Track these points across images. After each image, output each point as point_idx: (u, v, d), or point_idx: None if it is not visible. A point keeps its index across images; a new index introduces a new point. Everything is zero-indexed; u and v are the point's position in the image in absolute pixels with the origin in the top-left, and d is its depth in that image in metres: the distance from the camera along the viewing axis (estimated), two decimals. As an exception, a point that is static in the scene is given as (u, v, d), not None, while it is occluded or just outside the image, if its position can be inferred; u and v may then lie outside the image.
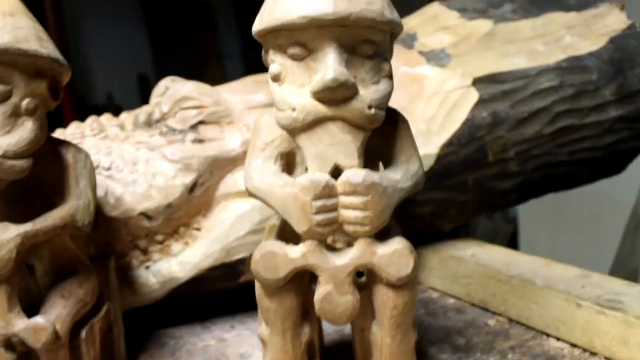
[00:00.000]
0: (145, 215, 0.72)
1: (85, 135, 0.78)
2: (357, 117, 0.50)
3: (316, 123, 0.50)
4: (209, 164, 0.75)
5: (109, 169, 0.74)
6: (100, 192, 0.72)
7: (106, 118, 0.82)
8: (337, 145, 0.51)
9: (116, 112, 0.86)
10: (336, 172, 0.51)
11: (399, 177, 0.53)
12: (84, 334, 0.58)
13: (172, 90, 0.80)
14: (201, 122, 0.77)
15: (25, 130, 0.52)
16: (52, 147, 0.59)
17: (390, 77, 0.53)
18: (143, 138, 0.77)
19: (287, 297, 0.53)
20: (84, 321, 0.59)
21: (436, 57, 0.86)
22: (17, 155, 0.51)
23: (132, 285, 0.73)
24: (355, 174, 0.50)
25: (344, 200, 0.50)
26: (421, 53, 0.87)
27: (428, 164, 0.80)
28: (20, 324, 0.52)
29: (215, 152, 0.75)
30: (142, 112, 0.81)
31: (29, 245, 0.53)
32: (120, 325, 0.66)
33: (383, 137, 0.56)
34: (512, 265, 0.77)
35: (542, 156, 0.85)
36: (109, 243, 0.73)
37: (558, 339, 0.67)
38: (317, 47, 0.50)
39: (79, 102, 3.23)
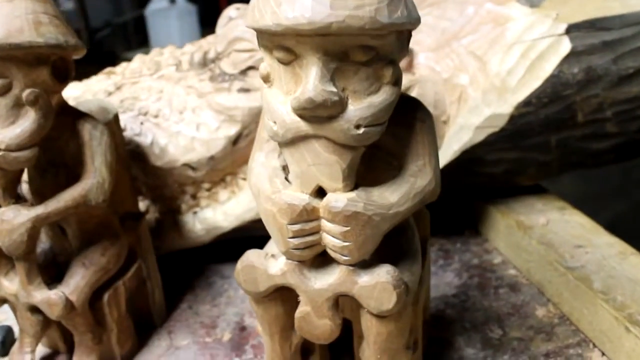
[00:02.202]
0: (189, 165, 0.73)
1: (142, 73, 0.78)
2: (342, 137, 0.44)
3: (298, 139, 0.45)
4: (253, 114, 0.71)
5: (156, 116, 0.74)
6: (147, 140, 0.73)
7: (169, 51, 0.81)
8: (320, 165, 0.45)
9: None
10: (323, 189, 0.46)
11: (395, 198, 0.47)
12: (106, 297, 0.62)
13: (230, 26, 0.75)
14: (251, 67, 0.73)
15: (28, 121, 0.53)
16: (72, 120, 0.59)
17: (395, 82, 0.45)
18: (194, 82, 0.75)
19: (272, 306, 0.52)
20: (108, 284, 0.63)
21: (530, -9, 0.71)
22: (19, 147, 0.53)
23: (180, 230, 0.76)
24: (336, 200, 0.45)
25: (324, 224, 0.46)
26: (513, -16, 0.72)
27: (498, 123, 0.69)
28: (37, 296, 0.57)
29: (261, 102, 0.72)
30: (200, 50, 0.78)
31: (41, 226, 0.56)
32: (155, 278, 0.70)
33: (396, 137, 0.50)
34: (581, 248, 0.68)
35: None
36: (157, 187, 0.75)
37: (603, 354, 0.60)
38: (302, 53, 0.43)
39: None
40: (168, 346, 0.68)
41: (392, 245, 0.53)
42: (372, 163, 0.52)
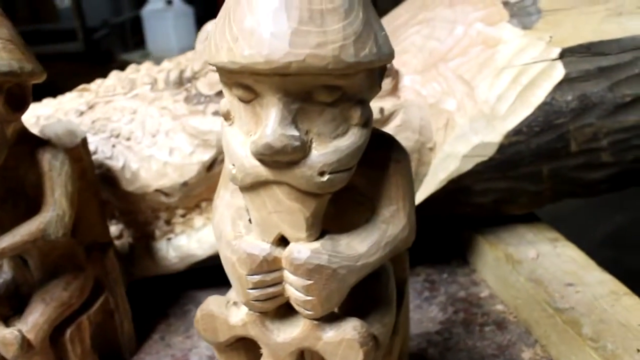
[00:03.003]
0: (161, 191, 0.69)
1: (116, 92, 0.75)
2: (305, 185, 0.40)
3: (258, 184, 0.41)
4: (230, 139, 0.68)
5: (128, 139, 0.70)
6: (118, 164, 0.70)
7: (145, 68, 0.78)
8: (282, 213, 0.42)
9: None
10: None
11: (364, 248, 0.43)
12: (68, 333, 0.59)
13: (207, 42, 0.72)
14: (228, 88, 0.69)
15: (-23, 152, 0.50)
16: (32, 149, 0.56)
17: (364, 124, 0.41)
18: (168, 102, 0.71)
19: (235, 356, 0.48)
20: (71, 319, 0.60)
21: (523, 12, 0.67)
22: (-31, 178, 0.50)
23: (153, 256, 0.73)
24: (299, 252, 0.41)
25: (287, 276, 0.42)
26: (505, 4, 0.69)
27: (487, 152, 0.66)
28: (-7, 335, 0.54)
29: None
30: (177, 67, 0.75)
31: (-5, 262, 0.53)
32: (124, 310, 0.66)
33: (368, 179, 0.46)
34: (572, 287, 0.65)
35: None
36: (130, 212, 0.72)
37: (590, 407, 0.56)
38: (262, 92, 0.39)
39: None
40: (136, 382, 0.65)
41: (363, 292, 0.50)
42: (343, 204, 0.49)
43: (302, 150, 0.39)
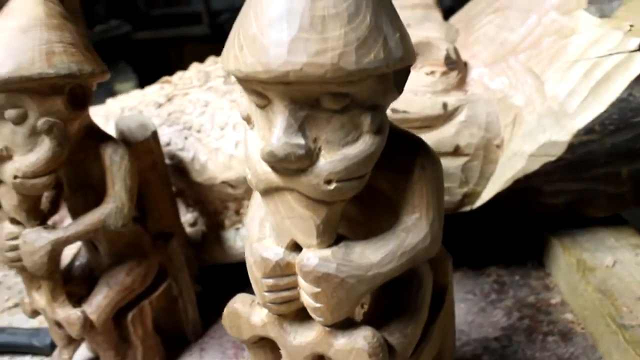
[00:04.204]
0: (228, 183, 0.72)
1: (192, 84, 0.78)
2: (312, 193, 0.40)
3: (272, 190, 0.42)
4: (293, 133, 0.69)
5: (199, 131, 0.73)
6: (189, 155, 0.74)
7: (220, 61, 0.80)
8: (294, 219, 0.42)
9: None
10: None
11: (378, 258, 0.42)
12: (130, 316, 0.64)
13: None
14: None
15: (43, 150, 0.54)
16: (96, 144, 0.60)
17: (377, 131, 0.40)
18: (238, 96, 0.73)
19: (261, 353, 0.50)
20: (134, 303, 0.64)
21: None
22: (35, 175, 0.54)
23: (222, 245, 0.75)
24: (308, 259, 0.41)
25: (300, 281, 0.43)
26: (585, -10, 0.63)
27: (555, 152, 0.61)
28: (60, 313, 0.59)
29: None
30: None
31: (60, 249, 0.58)
32: (188, 296, 0.70)
33: (394, 185, 0.45)
34: (647, 301, 0.59)
35: None
36: (201, 201, 0.76)
37: None
38: (272, 98, 0.39)
39: None
40: (196, 365, 0.69)
41: (390, 298, 0.49)
42: (370, 209, 0.48)
43: (308, 159, 0.39)
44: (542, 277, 0.73)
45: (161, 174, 0.70)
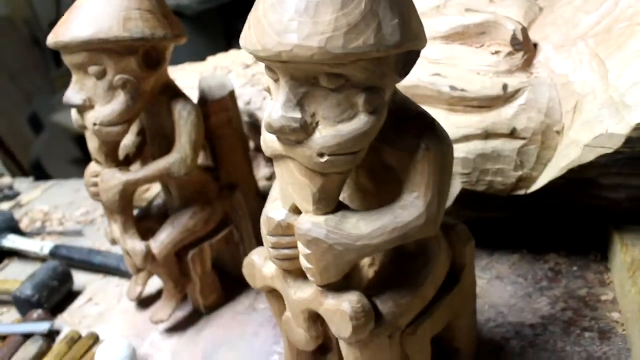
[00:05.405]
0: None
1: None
2: (307, 163, 0.44)
3: (279, 157, 0.46)
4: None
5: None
6: (265, 115, 0.79)
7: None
8: (295, 185, 0.46)
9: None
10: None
11: (368, 230, 0.45)
12: (191, 255, 0.71)
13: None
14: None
15: (118, 102, 0.62)
16: (169, 100, 0.67)
17: (372, 112, 0.42)
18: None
19: (275, 302, 0.55)
20: (196, 243, 0.72)
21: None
22: (111, 124, 0.63)
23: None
24: (302, 223, 0.45)
25: (298, 242, 0.47)
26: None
27: (612, 144, 0.58)
28: (129, 244, 0.68)
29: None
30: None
31: (131, 189, 0.66)
32: (249, 244, 0.76)
33: (400, 163, 0.47)
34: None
35: None
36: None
37: None
38: (278, 74, 0.43)
39: None
40: (249, 306, 0.76)
41: (396, 269, 0.51)
42: (383, 182, 0.51)
43: (303, 132, 0.42)
44: (601, 272, 0.70)
45: (236, 130, 0.76)
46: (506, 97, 0.65)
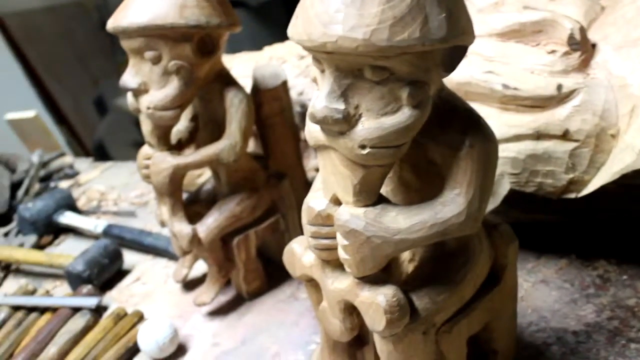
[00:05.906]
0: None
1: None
2: (349, 155, 0.44)
3: (322, 147, 0.46)
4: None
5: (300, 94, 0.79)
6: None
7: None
8: (336, 176, 0.46)
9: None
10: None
11: (407, 225, 0.45)
12: (236, 240, 0.73)
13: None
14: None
15: (171, 87, 0.64)
16: (221, 87, 0.68)
17: (416, 106, 0.42)
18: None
19: (314, 291, 0.55)
20: (242, 230, 0.73)
21: None
22: (164, 108, 0.64)
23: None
24: (341, 214, 0.46)
25: (337, 234, 0.47)
26: None
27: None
28: (176, 227, 0.70)
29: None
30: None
31: (181, 173, 0.68)
32: (294, 232, 0.77)
33: (443, 158, 0.47)
34: None
35: None
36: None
37: None
38: (324, 65, 0.44)
39: None
40: (290, 294, 0.76)
41: (436, 265, 0.51)
42: (427, 178, 0.50)
43: (346, 123, 0.43)
44: (653, 282, 0.68)
45: (287, 120, 0.77)
46: (560, 97, 0.63)
